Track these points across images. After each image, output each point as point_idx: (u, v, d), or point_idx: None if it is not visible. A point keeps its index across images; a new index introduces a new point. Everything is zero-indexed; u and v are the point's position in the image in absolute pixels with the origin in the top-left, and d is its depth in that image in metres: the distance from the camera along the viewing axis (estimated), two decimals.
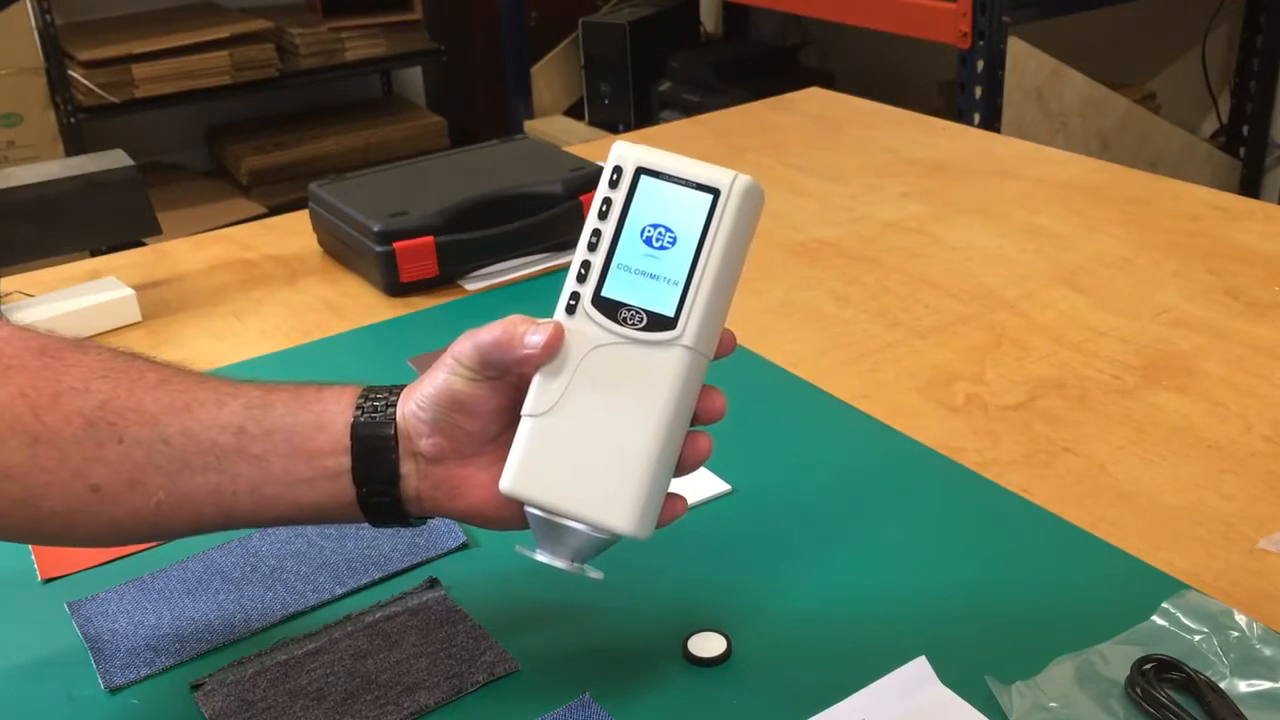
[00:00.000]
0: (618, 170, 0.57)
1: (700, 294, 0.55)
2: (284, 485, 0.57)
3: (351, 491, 0.57)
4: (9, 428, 0.54)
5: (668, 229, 0.55)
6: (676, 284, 0.55)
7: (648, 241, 0.56)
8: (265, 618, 0.66)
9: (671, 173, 0.56)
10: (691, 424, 0.56)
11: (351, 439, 0.57)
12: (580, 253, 0.56)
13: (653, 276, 0.55)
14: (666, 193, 0.56)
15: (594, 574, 0.57)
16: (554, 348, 0.56)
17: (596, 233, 0.56)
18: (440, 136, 3.54)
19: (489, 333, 0.56)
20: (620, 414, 0.55)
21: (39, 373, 0.56)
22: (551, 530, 0.56)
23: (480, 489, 0.57)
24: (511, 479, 0.55)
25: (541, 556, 0.56)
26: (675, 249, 0.55)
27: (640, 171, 0.56)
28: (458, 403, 0.57)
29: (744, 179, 0.55)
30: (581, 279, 0.56)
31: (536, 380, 0.56)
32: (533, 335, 0.55)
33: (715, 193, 0.55)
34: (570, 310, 0.56)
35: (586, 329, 0.56)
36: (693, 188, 0.55)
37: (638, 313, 0.55)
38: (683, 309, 0.55)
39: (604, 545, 0.56)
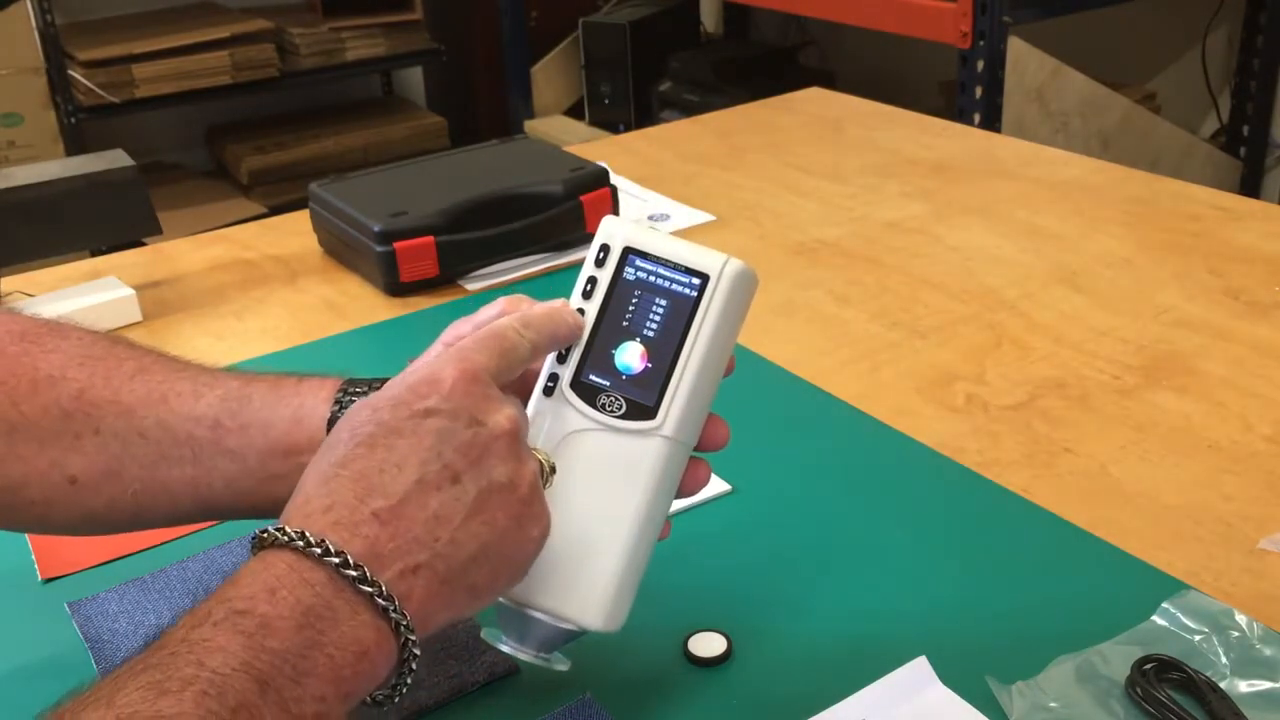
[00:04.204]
0: (605, 248, 0.55)
1: (683, 384, 0.53)
2: (259, 480, 0.56)
3: None
4: None
5: (653, 313, 0.54)
6: (659, 371, 0.53)
7: (631, 325, 0.54)
8: None
9: (660, 254, 0.54)
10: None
11: (328, 434, 0.57)
12: None
13: (634, 362, 0.54)
14: (654, 275, 0.54)
15: (560, 665, 0.55)
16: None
17: (580, 312, 0.55)
18: (440, 136, 3.54)
19: (488, 310, 0.55)
20: (594, 505, 0.53)
21: (17, 359, 0.56)
22: (518, 620, 0.54)
23: None
24: None
25: (506, 647, 0.54)
26: (659, 334, 0.54)
27: (628, 251, 0.55)
28: None
29: (735, 264, 0.53)
30: (561, 359, 0.54)
31: None
32: (537, 309, 0.54)
33: (705, 278, 0.53)
34: (548, 392, 0.54)
35: (563, 413, 0.54)
36: (681, 271, 0.54)
37: (617, 399, 0.53)
38: (664, 398, 0.53)
39: (572, 636, 0.55)
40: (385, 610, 0.45)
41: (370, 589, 0.44)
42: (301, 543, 0.44)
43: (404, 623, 0.45)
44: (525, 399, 0.55)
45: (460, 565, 0.47)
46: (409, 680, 0.47)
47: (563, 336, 0.54)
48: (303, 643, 0.43)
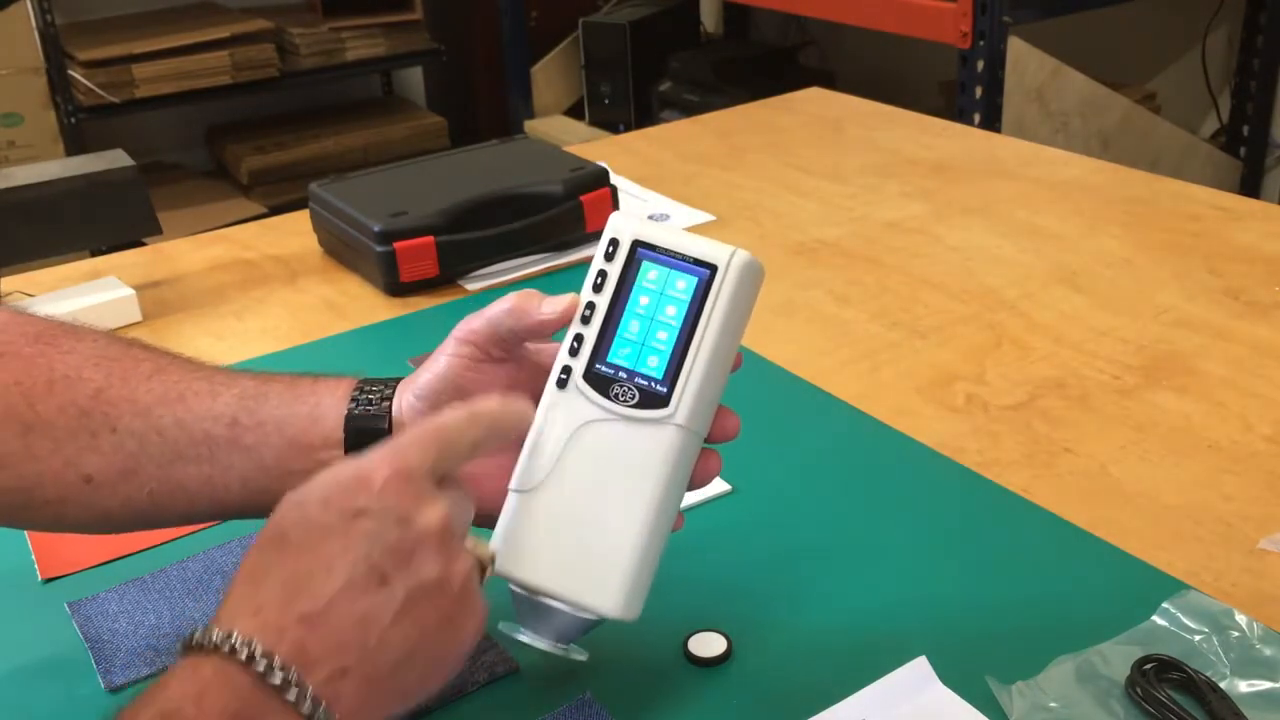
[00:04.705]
0: (614, 243, 0.56)
1: (694, 372, 0.54)
2: (275, 477, 0.56)
3: None
4: (2, 416, 0.54)
5: (663, 305, 0.55)
6: (671, 361, 0.54)
7: (642, 317, 0.55)
8: None
9: (669, 247, 0.55)
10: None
11: (345, 431, 0.57)
12: (574, 326, 0.56)
13: (646, 353, 0.55)
14: (663, 267, 0.55)
15: (579, 655, 0.56)
16: (569, 315, 0.56)
17: (591, 305, 0.56)
18: (440, 136, 3.54)
19: (500, 304, 0.56)
20: (610, 494, 0.54)
21: (33, 360, 0.56)
22: (536, 610, 0.55)
23: (474, 481, 0.56)
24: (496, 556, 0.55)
25: (525, 637, 0.55)
26: (670, 325, 0.55)
27: (637, 245, 0.56)
28: (458, 388, 0.56)
29: (742, 255, 0.54)
30: (574, 352, 0.55)
31: (525, 454, 0.55)
32: (548, 303, 0.55)
33: (713, 269, 0.54)
34: (561, 384, 0.55)
35: (577, 404, 0.55)
36: (690, 263, 0.55)
37: (630, 389, 0.54)
38: (675, 387, 0.54)
39: (590, 626, 0.55)
40: (310, 717, 0.44)
41: (295, 692, 0.44)
42: (226, 648, 0.44)
43: None
44: (538, 392, 0.56)
45: (389, 667, 0.47)
46: None
47: (508, 431, 0.54)
48: None
